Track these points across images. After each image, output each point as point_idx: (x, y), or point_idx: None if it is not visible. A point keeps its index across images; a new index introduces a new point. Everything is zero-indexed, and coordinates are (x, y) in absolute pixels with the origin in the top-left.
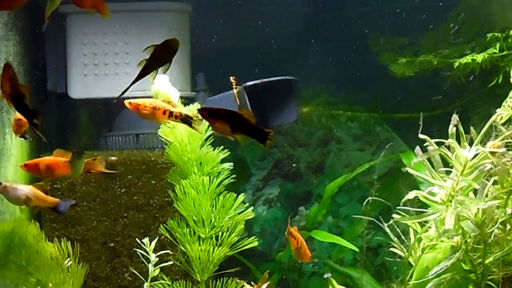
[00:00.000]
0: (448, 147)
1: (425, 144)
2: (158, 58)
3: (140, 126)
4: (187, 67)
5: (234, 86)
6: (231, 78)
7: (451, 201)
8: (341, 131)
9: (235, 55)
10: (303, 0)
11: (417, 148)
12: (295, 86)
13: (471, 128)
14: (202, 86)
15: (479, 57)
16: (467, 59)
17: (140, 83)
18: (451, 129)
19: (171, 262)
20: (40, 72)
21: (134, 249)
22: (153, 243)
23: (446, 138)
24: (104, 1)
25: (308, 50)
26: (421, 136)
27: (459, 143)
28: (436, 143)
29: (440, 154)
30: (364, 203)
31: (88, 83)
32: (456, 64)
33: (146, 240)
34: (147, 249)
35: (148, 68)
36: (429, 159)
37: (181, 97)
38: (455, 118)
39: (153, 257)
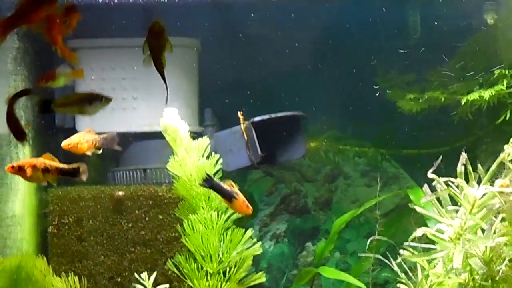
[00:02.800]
0: (457, 185)
1: (433, 183)
2: (156, 44)
3: (147, 161)
4: (194, 102)
5: (241, 122)
6: (239, 114)
7: (459, 239)
8: (348, 166)
9: (243, 91)
10: (311, 35)
11: (426, 187)
12: (302, 121)
13: (479, 166)
14: (209, 121)
15: (487, 94)
16: (474, 95)
17: (148, 118)
18: (460, 168)
19: None
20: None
21: (134, 284)
22: (152, 277)
23: (453, 175)
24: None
25: (315, 86)
26: (430, 175)
27: (467, 182)
28: (445, 181)
29: (448, 193)
30: (369, 240)
31: (96, 118)
32: (464, 100)
33: (144, 275)
34: (146, 284)
35: (157, 58)
36: (437, 197)
37: (190, 132)
38: (463, 157)
39: None
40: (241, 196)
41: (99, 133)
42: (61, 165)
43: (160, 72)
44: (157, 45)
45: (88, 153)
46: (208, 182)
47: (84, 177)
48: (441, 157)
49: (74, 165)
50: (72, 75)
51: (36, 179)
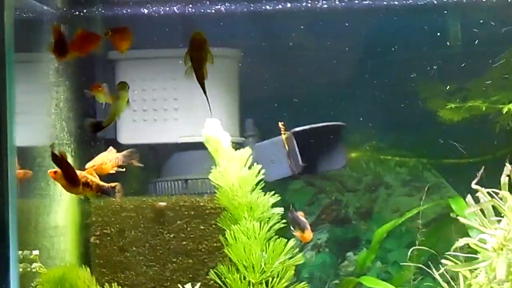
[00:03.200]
0: (500, 197)
1: (476, 194)
2: (197, 56)
3: (189, 172)
4: (236, 113)
5: (283, 132)
6: (280, 124)
7: (502, 249)
8: (389, 176)
9: (284, 101)
10: (351, 45)
11: (469, 198)
12: (343, 131)
13: None
14: (250, 132)
15: None
16: None
17: (189, 129)
18: (504, 179)
19: None
20: (89, 118)
21: None
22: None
23: (495, 184)
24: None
25: (356, 96)
26: (474, 186)
27: (511, 193)
28: (488, 193)
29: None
30: (410, 250)
31: (137, 128)
32: (505, 109)
33: (188, 286)
34: None
35: (198, 69)
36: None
37: (231, 143)
38: (508, 168)
39: None
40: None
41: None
42: (101, 183)
43: (201, 84)
44: (199, 57)
45: (113, 171)
46: (291, 214)
47: (118, 197)
48: (483, 167)
49: (112, 184)
50: (110, 100)
51: (75, 191)
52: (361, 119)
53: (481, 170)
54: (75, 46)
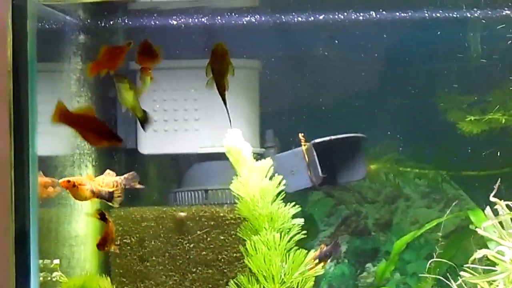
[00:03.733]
0: None
1: (495, 207)
2: (218, 67)
3: (209, 182)
4: (256, 124)
5: (303, 143)
6: (300, 135)
7: None
8: (408, 188)
9: (304, 112)
10: (371, 57)
11: (488, 210)
12: (363, 143)
13: None
14: (270, 143)
15: None
16: None
17: (209, 139)
18: None
19: None
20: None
21: None
22: None
23: None
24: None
25: (376, 107)
26: (492, 199)
27: None
28: (506, 204)
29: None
30: (429, 262)
31: (158, 139)
32: None
33: None
34: None
35: (219, 81)
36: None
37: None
38: None
39: None
40: None
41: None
42: (101, 189)
43: (222, 96)
44: (220, 68)
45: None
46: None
47: (116, 203)
48: (500, 179)
49: (110, 189)
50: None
51: (84, 198)
52: (380, 131)
53: (498, 183)
54: (102, 63)
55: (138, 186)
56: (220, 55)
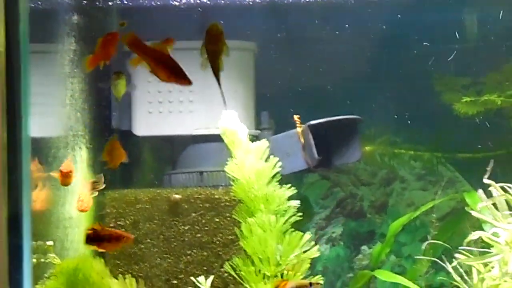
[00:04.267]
0: None
1: (489, 188)
2: (213, 48)
3: (204, 164)
4: (251, 105)
5: (298, 125)
6: (295, 117)
7: None
8: (404, 170)
9: (299, 94)
10: (367, 39)
11: (480, 192)
12: (358, 125)
13: None
14: (266, 125)
15: None
16: None
17: (204, 121)
18: None
19: None
20: (105, 109)
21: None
22: (209, 280)
23: (509, 178)
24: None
25: (371, 89)
26: (486, 181)
27: None
28: (501, 186)
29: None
30: (424, 244)
31: (153, 120)
32: None
33: (202, 278)
34: (203, 287)
35: (214, 61)
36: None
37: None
38: None
39: None
40: None
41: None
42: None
43: (217, 77)
44: (215, 49)
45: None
46: None
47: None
48: (492, 161)
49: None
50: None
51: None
52: (376, 112)
53: (490, 165)
54: (99, 55)
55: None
56: (214, 35)
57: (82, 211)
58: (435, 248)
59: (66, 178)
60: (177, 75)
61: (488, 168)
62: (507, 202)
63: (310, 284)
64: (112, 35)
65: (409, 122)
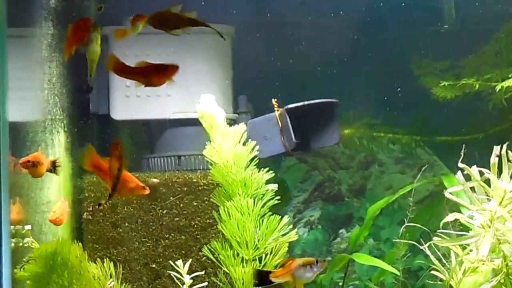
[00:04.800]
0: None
1: (466, 172)
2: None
3: (182, 148)
4: (229, 89)
5: (276, 109)
6: (273, 101)
7: (490, 227)
8: (382, 153)
9: (277, 78)
10: (345, 23)
11: (459, 174)
12: (336, 108)
13: (510, 154)
14: (244, 108)
15: None
16: (509, 82)
17: (182, 105)
18: (493, 159)
19: (205, 284)
20: (82, 93)
21: (169, 271)
22: (187, 265)
23: (487, 161)
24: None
25: (350, 73)
26: (460, 165)
27: (501, 172)
28: (479, 171)
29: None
30: (403, 227)
31: (130, 104)
32: (498, 87)
33: (179, 262)
34: (181, 271)
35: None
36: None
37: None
38: (497, 149)
39: (187, 279)
40: None
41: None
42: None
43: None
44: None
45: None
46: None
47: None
48: (464, 145)
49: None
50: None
51: (40, 175)
52: (354, 96)
53: (463, 149)
54: (73, 41)
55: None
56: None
57: (54, 222)
58: (413, 231)
59: (32, 169)
60: (166, 72)
61: (462, 153)
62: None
63: (317, 261)
64: (83, 20)
65: (387, 106)
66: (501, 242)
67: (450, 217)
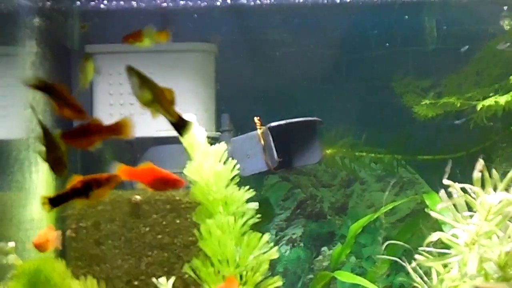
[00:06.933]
0: (473, 191)
1: (449, 189)
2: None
3: (164, 166)
4: (211, 107)
5: (258, 127)
6: (256, 119)
7: (474, 244)
8: (364, 172)
9: (260, 96)
10: (326, 41)
11: (442, 192)
12: (318, 127)
13: (494, 171)
14: (226, 127)
15: (502, 100)
16: (490, 101)
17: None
18: (476, 174)
19: None
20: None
21: None
22: (170, 282)
23: (469, 180)
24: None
25: (332, 92)
26: (445, 182)
27: (484, 188)
28: (461, 187)
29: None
30: (385, 244)
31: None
32: (479, 106)
33: (163, 279)
34: None
35: None
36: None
37: (207, 137)
38: (480, 163)
39: None
40: None
41: None
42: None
43: None
44: None
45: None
46: None
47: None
48: (450, 161)
49: None
50: (158, 37)
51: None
52: (336, 115)
53: (449, 165)
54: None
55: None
56: None
57: (38, 246)
58: (395, 249)
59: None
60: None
61: (447, 169)
62: (466, 203)
63: None
64: None
65: (369, 125)
66: (483, 260)
67: (434, 237)
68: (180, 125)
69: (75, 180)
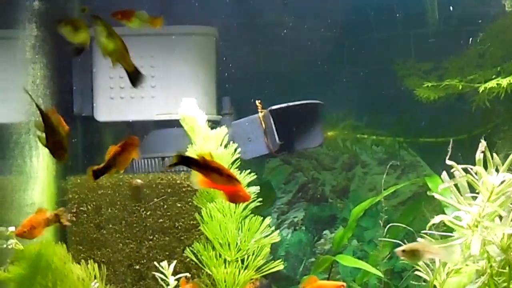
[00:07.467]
0: (475, 172)
1: (451, 170)
2: None
3: (165, 150)
4: (212, 91)
5: (259, 110)
6: (257, 102)
7: (477, 226)
8: (366, 155)
9: (261, 79)
10: (329, 24)
11: (444, 174)
12: (320, 110)
13: (494, 154)
14: (227, 110)
15: (504, 82)
16: (492, 83)
17: (166, 107)
18: (479, 155)
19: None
20: (66, 95)
21: (154, 273)
22: (171, 266)
23: (470, 163)
24: None
25: (333, 75)
26: (448, 162)
27: (486, 169)
28: (463, 168)
29: (466, 180)
30: (386, 228)
31: (114, 106)
32: (481, 88)
33: (164, 263)
34: (166, 272)
35: None
36: (455, 184)
37: (207, 121)
38: (482, 144)
39: (171, 280)
40: None
41: None
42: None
43: None
44: None
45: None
46: None
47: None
48: (452, 140)
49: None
50: (150, 23)
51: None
52: (338, 97)
53: (450, 144)
54: None
55: (66, 222)
56: None
57: (21, 235)
58: (397, 232)
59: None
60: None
61: (449, 149)
62: (469, 184)
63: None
64: None
65: (370, 107)
66: (486, 243)
67: (436, 219)
68: (135, 76)
69: (112, 150)
